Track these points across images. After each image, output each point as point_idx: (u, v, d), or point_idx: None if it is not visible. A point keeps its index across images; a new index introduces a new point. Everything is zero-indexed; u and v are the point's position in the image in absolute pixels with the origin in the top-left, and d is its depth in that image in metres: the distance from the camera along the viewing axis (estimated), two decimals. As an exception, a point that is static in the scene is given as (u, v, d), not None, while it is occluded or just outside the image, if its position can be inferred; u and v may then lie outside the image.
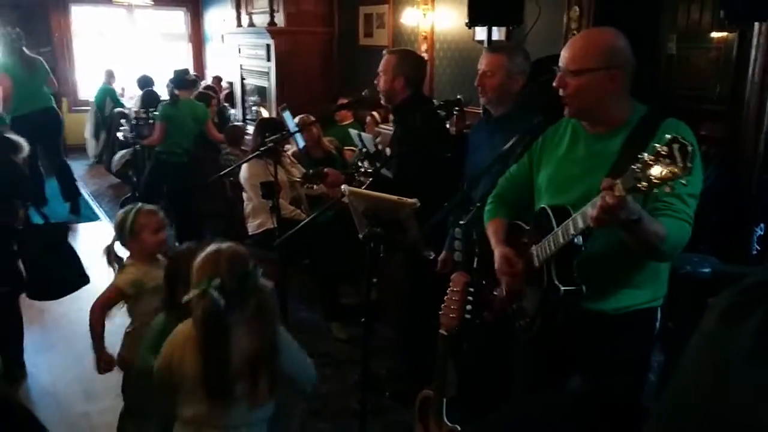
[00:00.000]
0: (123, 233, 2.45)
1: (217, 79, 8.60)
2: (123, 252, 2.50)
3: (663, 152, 1.34)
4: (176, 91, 5.52)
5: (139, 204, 2.56)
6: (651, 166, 1.35)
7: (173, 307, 2.00)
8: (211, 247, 1.81)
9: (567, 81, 1.81)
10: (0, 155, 3.28)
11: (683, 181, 1.34)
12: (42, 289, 3.33)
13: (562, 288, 1.75)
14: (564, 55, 1.83)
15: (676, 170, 1.32)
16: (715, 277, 2.54)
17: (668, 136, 1.34)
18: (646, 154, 1.36)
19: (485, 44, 4.20)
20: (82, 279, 3.32)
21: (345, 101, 5.32)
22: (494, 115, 2.61)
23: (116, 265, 2.46)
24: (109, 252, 2.47)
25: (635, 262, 1.82)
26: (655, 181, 1.35)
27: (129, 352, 2.34)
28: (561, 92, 1.83)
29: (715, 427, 0.78)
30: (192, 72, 7.67)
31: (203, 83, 8.00)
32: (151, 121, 6.01)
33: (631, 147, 1.74)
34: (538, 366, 2.06)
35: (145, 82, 7.78)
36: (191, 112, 5.52)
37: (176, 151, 5.41)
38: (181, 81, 5.64)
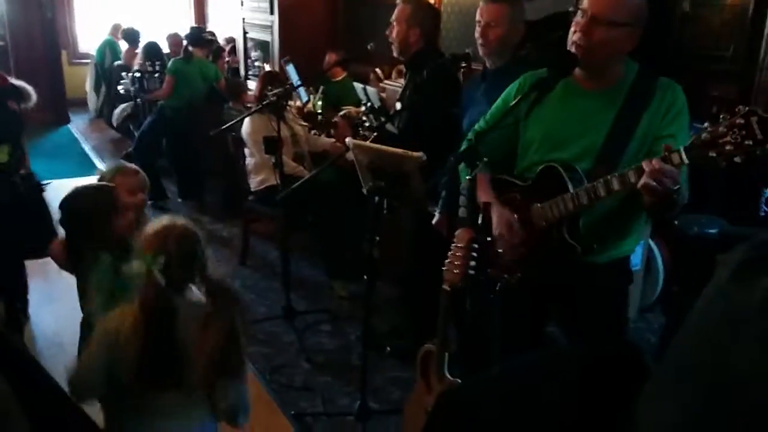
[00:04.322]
0: None
1: (210, 34, 8.42)
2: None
3: (738, 123, 1.36)
4: (191, 48, 5.59)
5: (120, 162, 2.55)
6: (724, 135, 1.38)
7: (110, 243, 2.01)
8: (164, 221, 1.75)
9: (594, 29, 1.70)
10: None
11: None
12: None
13: (579, 247, 1.75)
14: (599, 1, 1.72)
15: (752, 142, 1.35)
16: (723, 239, 2.53)
17: (743, 108, 1.38)
18: (719, 126, 1.39)
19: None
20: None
21: (335, 56, 5.25)
22: (490, 69, 2.55)
23: None
24: None
25: (635, 215, 1.83)
26: (730, 149, 1.37)
27: None
28: (578, 38, 1.73)
29: (722, 381, 0.78)
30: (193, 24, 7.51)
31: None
32: (156, 75, 6.00)
33: (631, 105, 1.75)
34: (517, 317, 2.05)
35: (132, 36, 7.62)
36: (201, 71, 5.60)
37: (182, 107, 5.44)
38: (198, 38, 5.72)
